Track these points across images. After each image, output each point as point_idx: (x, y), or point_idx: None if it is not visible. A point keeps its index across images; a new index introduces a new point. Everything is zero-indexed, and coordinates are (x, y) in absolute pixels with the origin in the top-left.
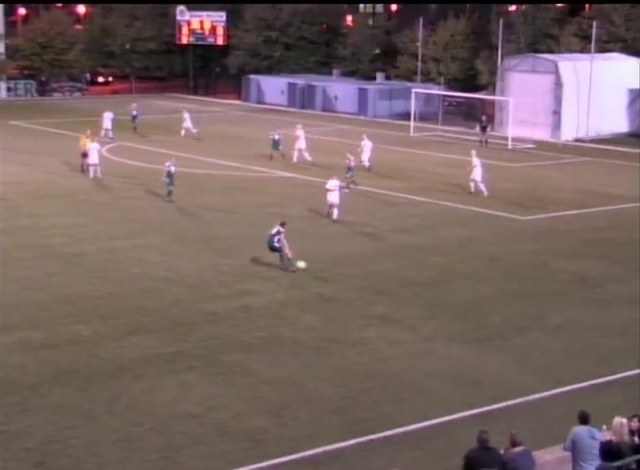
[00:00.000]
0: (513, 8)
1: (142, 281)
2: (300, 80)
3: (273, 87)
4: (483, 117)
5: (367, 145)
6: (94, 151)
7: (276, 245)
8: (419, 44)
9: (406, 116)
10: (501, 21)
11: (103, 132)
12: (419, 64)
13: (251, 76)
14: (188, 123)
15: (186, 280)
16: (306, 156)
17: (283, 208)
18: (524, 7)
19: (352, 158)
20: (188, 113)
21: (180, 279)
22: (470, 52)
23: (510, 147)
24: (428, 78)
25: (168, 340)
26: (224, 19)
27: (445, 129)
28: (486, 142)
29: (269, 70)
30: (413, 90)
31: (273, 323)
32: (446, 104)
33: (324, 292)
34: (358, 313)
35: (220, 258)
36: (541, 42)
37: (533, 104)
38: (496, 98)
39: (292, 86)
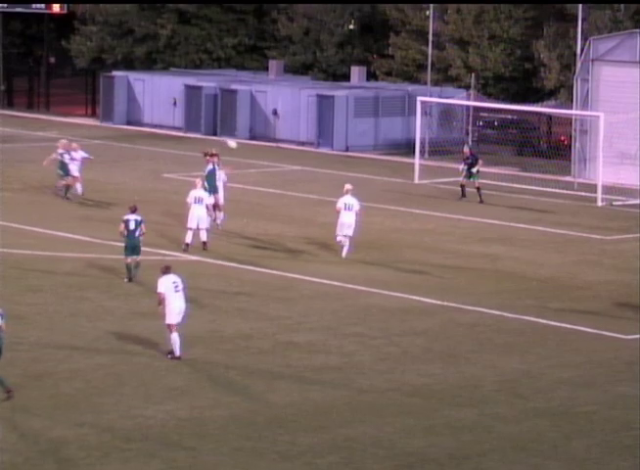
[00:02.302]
0: None
1: None
2: (209, 81)
3: (158, 94)
4: (466, 148)
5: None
6: None
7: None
8: (429, 13)
9: (406, 147)
10: None
11: None
12: (429, 50)
13: (117, 74)
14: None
15: None
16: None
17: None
18: None
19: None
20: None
21: None
22: (524, 28)
23: (601, 204)
24: (446, 78)
25: None
26: None
27: (480, 172)
28: (478, 192)
29: (150, 63)
30: (419, 99)
31: None
32: (481, 124)
33: None
34: None
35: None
36: None
37: None
38: (574, 114)
39: (192, 92)
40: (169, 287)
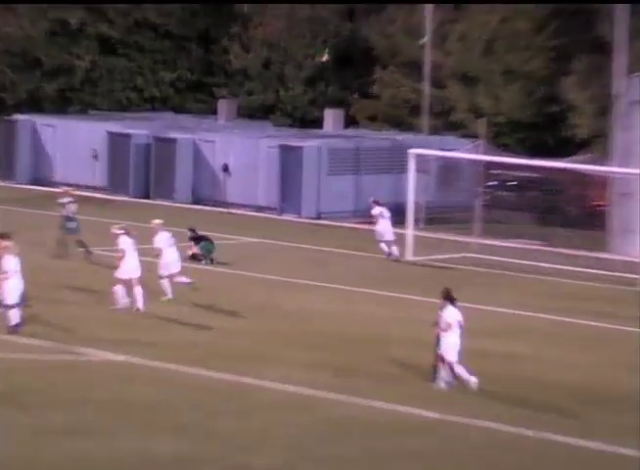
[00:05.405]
0: None
1: None
2: (140, 128)
3: (73, 144)
4: (190, 233)
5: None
6: None
7: None
8: (425, 41)
9: (395, 213)
10: None
11: None
12: (426, 89)
13: (20, 118)
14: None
15: None
16: None
17: None
18: None
19: None
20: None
21: None
22: (548, 61)
23: None
24: (448, 124)
25: None
26: None
27: (491, 245)
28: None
29: (63, 104)
30: (411, 152)
31: None
32: (494, 184)
33: None
34: None
35: None
36: None
37: None
38: (613, 171)
39: (118, 142)
40: None
